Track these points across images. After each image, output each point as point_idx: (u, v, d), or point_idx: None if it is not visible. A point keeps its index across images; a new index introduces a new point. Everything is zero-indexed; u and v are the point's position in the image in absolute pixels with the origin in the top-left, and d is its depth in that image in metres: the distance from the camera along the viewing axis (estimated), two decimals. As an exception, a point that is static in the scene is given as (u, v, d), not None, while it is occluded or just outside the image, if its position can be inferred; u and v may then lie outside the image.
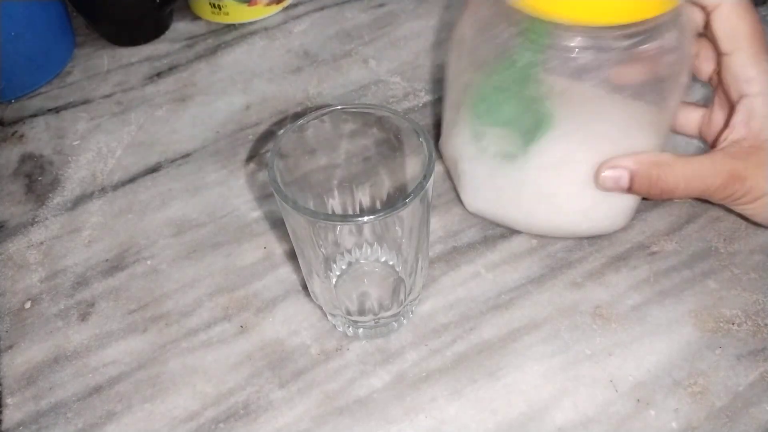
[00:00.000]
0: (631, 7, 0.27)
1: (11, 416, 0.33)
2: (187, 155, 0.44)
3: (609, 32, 0.28)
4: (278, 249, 0.38)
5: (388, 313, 0.33)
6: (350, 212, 0.35)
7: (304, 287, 0.36)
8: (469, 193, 0.38)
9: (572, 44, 0.29)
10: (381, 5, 0.54)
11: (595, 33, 0.28)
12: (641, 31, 0.28)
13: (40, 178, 0.43)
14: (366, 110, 0.30)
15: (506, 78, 0.31)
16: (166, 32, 0.53)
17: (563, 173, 0.33)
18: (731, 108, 0.33)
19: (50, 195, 0.42)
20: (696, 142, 0.42)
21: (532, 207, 0.35)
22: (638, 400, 0.32)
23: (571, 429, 0.31)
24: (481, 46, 0.31)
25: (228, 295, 0.37)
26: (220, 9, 0.52)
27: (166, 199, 0.42)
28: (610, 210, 0.35)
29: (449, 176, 0.40)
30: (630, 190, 0.32)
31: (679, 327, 0.34)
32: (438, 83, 0.47)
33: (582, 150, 0.33)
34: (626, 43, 0.28)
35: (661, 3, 0.27)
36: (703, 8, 0.32)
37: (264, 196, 0.41)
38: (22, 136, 0.46)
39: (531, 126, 0.32)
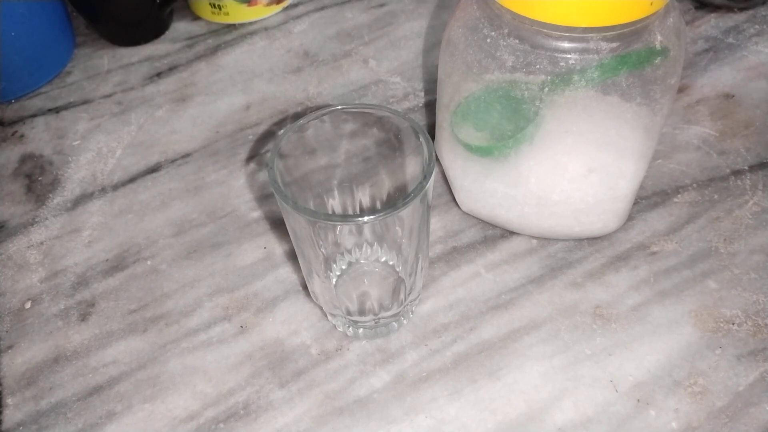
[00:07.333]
0: (619, 8, 0.27)
1: (11, 416, 0.33)
2: (187, 155, 0.44)
3: (597, 33, 0.28)
4: (278, 249, 0.38)
5: (388, 313, 0.33)
6: (350, 212, 0.35)
7: (304, 287, 0.36)
8: (462, 194, 0.38)
9: (560, 45, 0.29)
10: (381, 5, 0.54)
11: (582, 34, 0.28)
12: (629, 33, 0.28)
13: (40, 178, 0.43)
14: (366, 110, 0.30)
15: (495, 79, 0.31)
16: (166, 32, 0.53)
17: (554, 175, 0.33)
18: None
19: (50, 195, 0.42)
20: (696, 142, 0.42)
21: (523, 209, 0.35)
22: (638, 400, 0.32)
23: (571, 429, 0.31)
24: (470, 47, 0.31)
25: (228, 295, 0.37)
26: (220, 9, 0.52)
27: (166, 199, 0.42)
28: (603, 212, 0.35)
29: (444, 176, 0.40)
30: None
31: (679, 327, 0.34)
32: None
33: (572, 152, 0.33)
34: (614, 44, 0.28)
35: (648, 4, 0.27)
36: None
37: (264, 196, 0.41)
38: (22, 136, 0.46)
39: (520, 128, 0.32)
